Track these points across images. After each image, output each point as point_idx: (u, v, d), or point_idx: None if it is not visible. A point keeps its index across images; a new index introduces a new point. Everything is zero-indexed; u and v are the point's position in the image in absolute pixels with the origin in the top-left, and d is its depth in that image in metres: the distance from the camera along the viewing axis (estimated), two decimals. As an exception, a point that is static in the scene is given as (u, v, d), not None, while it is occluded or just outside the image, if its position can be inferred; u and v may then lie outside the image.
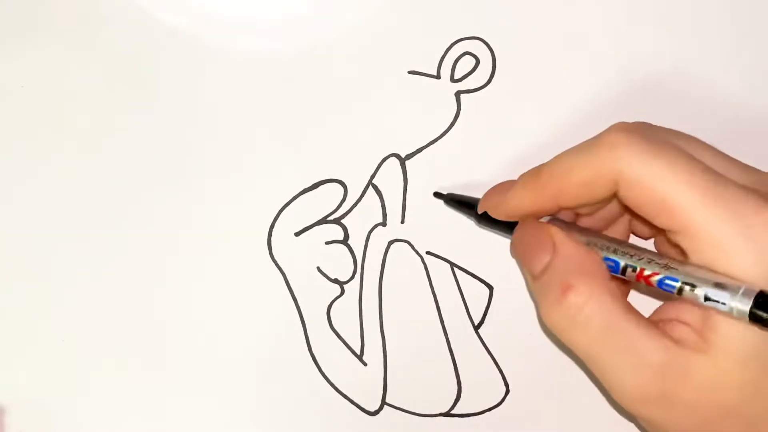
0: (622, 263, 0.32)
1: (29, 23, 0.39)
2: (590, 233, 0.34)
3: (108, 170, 0.39)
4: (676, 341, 0.31)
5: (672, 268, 0.31)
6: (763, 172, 0.34)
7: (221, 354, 0.39)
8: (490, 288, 0.39)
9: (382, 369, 0.39)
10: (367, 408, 0.39)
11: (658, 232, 0.36)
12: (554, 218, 0.35)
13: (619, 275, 0.32)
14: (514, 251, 0.36)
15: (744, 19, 0.40)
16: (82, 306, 0.39)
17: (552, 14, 0.39)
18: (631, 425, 0.39)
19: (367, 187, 0.39)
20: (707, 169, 0.30)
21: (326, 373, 0.39)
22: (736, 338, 0.30)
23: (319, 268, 0.39)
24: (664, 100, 0.39)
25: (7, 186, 0.39)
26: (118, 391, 0.39)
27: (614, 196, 0.32)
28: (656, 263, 0.31)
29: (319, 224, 0.39)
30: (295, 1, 0.40)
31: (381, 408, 0.39)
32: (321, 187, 0.39)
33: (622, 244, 0.33)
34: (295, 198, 0.39)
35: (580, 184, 0.32)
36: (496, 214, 0.36)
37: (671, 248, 0.33)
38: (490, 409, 0.39)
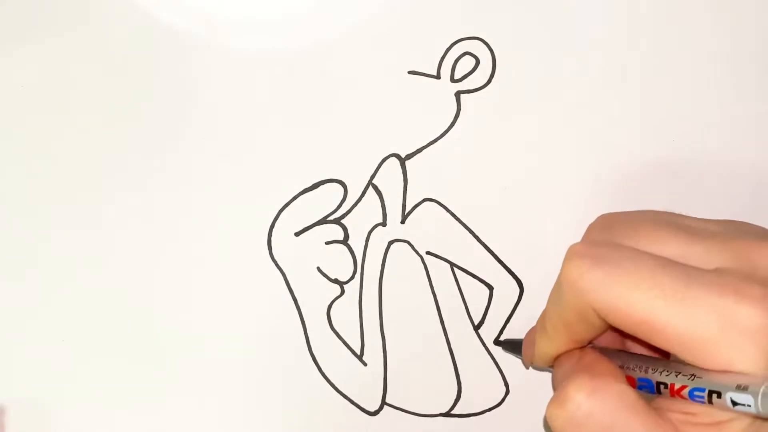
0: (654, 381, 0.31)
1: (29, 23, 0.39)
2: (624, 356, 0.33)
3: (108, 170, 0.39)
4: None
5: (698, 377, 0.29)
6: (730, 222, 0.33)
7: (221, 354, 0.39)
8: (490, 288, 0.39)
9: (382, 369, 0.39)
10: (367, 408, 0.39)
11: None
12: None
13: (655, 393, 0.31)
14: (553, 373, 0.35)
15: (744, 18, 0.40)
16: (81, 306, 0.39)
17: (552, 14, 0.39)
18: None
19: (367, 187, 0.39)
20: (672, 269, 0.29)
21: (326, 373, 0.39)
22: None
23: (319, 268, 0.39)
24: (664, 100, 0.39)
25: (7, 186, 0.39)
26: (118, 390, 0.39)
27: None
28: (683, 375, 0.30)
29: (319, 224, 0.39)
30: (295, 1, 0.39)
31: (381, 408, 0.39)
32: (321, 187, 0.39)
33: (656, 362, 0.32)
34: (295, 198, 0.39)
35: (575, 325, 0.31)
36: (537, 364, 0.36)
37: None
38: (490, 409, 0.39)
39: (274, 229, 0.39)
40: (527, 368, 0.39)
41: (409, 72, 0.39)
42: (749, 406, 0.27)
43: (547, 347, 0.34)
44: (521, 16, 0.39)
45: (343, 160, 0.39)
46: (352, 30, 0.39)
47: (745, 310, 0.28)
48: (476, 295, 0.39)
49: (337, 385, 0.39)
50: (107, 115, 0.39)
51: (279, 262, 0.39)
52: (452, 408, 0.39)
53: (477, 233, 0.39)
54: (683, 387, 0.30)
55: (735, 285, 0.28)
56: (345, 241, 0.39)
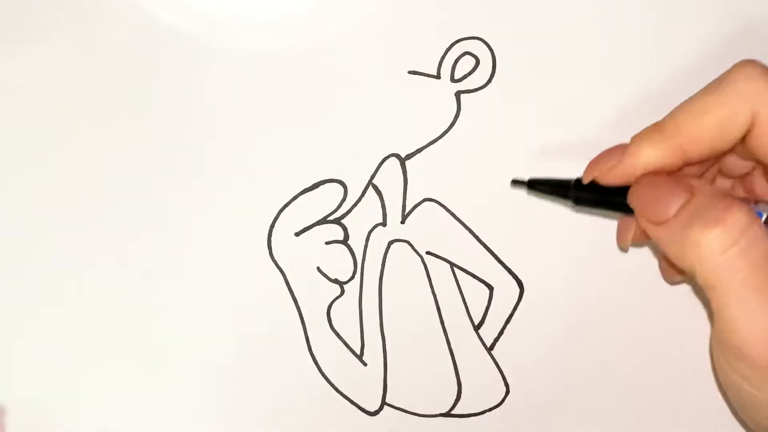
0: (764, 214, 0.30)
1: (29, 23, 0.39)
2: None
3: (108, 170, 0.39)
4: None
5: None
6: None
7: (221, 354, 0.39)
8: (490, 288, 0.39)
9: (382, 369, 0.39)
10: (367, 408, 0.39)
11: (749, 171, 0.34)
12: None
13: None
14: (638, 198, 0.32)
15: (744, 18, 0.40)
16: (82, 306, 0.39)
17: (552, 14, 0.39)
18: (631, 425, 0.39)
19: (367, 187, 0.39)
20: None
21: (326, 373, 0.39)
22: None
23: (319, 268, 0.39)
24: (666, 100, 0.39)
25: (8, 185, 0.39)
26: (118, 390, 0.39)
27: (741, 141, 0.31)
28: None
29: (319, 224, 0.39)
30: (295, 1, 0.40)
31: (381, 408, 0.39)
32: (321, 187, 0.39)
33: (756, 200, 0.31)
34: (295, 198, 0.39)
35: (713, 126, 0.30)
36: (610, 179, 0.33)
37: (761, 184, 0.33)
38: (490, 409, 0.39)
39: (274, 229, 0.39)
40: (575, 204, 0.35)
41: (409, 72, 0.39)
42: None
43: (646, 154, 0.32)
44: (521, 16, 0.39)
45: (343, 160, 0.39)
46: (352, 30, 0.39)
47: None
48: (476, 295, 0.39)
49: (337, 385, 0.39)
50: (107, 115, 0.39)
51: (279, 262, 0.39)
52: (452, 408, 0.39)
53: (477, 233, 0.39)
54: None
55: None
56: (345, 241, 0.39)
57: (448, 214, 0.39)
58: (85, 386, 0.39)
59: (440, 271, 0.39)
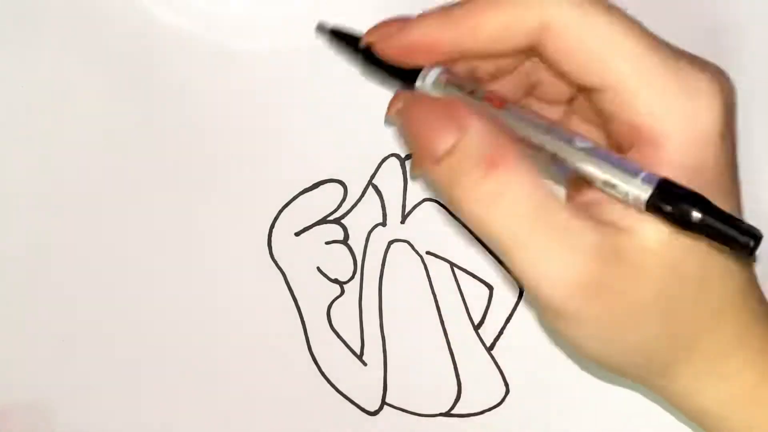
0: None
1: (29, 23, 0.39)
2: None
3: (107, 170, 0.39)
4: (608, 223, 0.28)
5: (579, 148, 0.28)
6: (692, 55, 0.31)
7: (221, 354, 0.39)
8: (490, 288, 0.39)
9: (382, 369, 0.39)
10: (367, 408, 0.39)
11: (570, 97, 0.33)
12: (447, 69, 0.31)
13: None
14: (408, 128, 0.30)
15: (745, 18, 0.40)
16: (82, 306, 0.39)
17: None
18: (632, 425, 0.39)
19: (367, 187, 0.39)
20: (644, 29, 0.28)
21: (326, 373, 0.39)
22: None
23: (319, 268, 0.39)
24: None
25: (7, 185, 0.39)
26: (118, 391, 0.39)
27: (526, 50, 0.29)
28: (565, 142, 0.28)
29: (319, 224, 0.39)
30: (295, 1, 0.39)
31: (381, 408, 0.39)
32: (321, 187, 0.39)
33: (526, 113, 0.30)
34: (295, 198, 0.39)
35: (499, 25, 0.29)
36: (386, 49, 0.31)
37: (584, 117, 0.31)
38: (490, 409, 0.39)
39: (274, 229, 0.39)
40: (363, 67, 0.33)
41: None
42: (617, 187, 0.27)
43: (427, 30, 0.30)
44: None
45: (343, 160, 0.39)
46: (353, 30, 0.39)
47: (703, 89, 0.28)
48: (476, 295, 0.39)
49: (337, 385, 0.39)
50: (107, 116, 0.39)
51: (279, 262, 0.39)
52: (452, 408, 0.39)
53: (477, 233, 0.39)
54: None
55: (701, 67, 0.29)
56: (345, 241, 0.39)
57: (448, 214, 0.39)
58: (85, 386, 0.39)
59: (440, 271, 0.39)
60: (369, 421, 0.39)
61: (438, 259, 0.39)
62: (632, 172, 0.27)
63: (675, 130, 0.28)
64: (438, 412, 0.39)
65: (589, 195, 0.29)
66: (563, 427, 0.39)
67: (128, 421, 0.39)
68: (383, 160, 0.39)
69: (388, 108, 0.33)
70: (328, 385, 0.39)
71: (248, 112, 0.39)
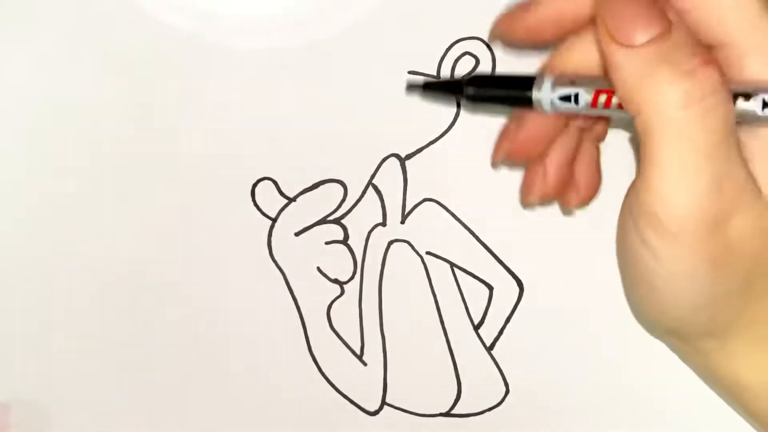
0: None
1: (29, 23, 0.39)
2: None
3: (107, 170, 0.39)
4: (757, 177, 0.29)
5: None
6: None
7: (221, 354, 0.39)
8: (490, 288, 0.39)
9: (382, 369, 0.39)
10: (367, 408, 0.39)
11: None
12: (559, 75, 0.32)
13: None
14: (607, 7, 0.29)
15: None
16: (81, 305, 0.39)
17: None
18: (632, 425, 0.39)
19: (367, 187, 0.39)
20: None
21: (326, 373, 0.39)
22: None
23: (319, 268, 0.39)
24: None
25: (7, 185, 0.39)
26: (118, 390, 0.39)
27: None
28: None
29: (319, 224, 0.39)
30: (295, 1, 0.39)
31: (381, 408, 0.39)
32: (321, 187, 0.39)
33: None
34: (295, 198, 0.39)
35: None
36: (517, 31, 0.32)
37: None
38: (490, 409, 0.39)
39: (274, 229, 0.39)
40: (467, 101, 0.35)
41: (409, 72, 0.39)
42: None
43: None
44: (521, 16, 0.39)
45: (343, 160, 0.39)
46: (352, 30, 0.39)
47: None
48: (476, 295, 0.39)
49: (337, 385, 0.39)
50: (107, 115, 0.39)
51: (279, 262, 0.39)
52: (452, 408, 0.39)
53: (477, 233, 0.39)
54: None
55: None
56: (345, 241, 0.39)
57: (448, 214, 0.39)
58: (86, 386, 0.39)
59: (440, 271, 0.39)
60: (369, 421, 0.39)
61: (438, 259, 0.39)
62: None
63: None
64: (438, 412, 0.39)
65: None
66: (563, 427, 0.39)
67: (128, 421, 0.39)
68: (383, 160, 0.39)
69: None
70: (328, 385, 0.39)
71: (248, 112, 0.39)
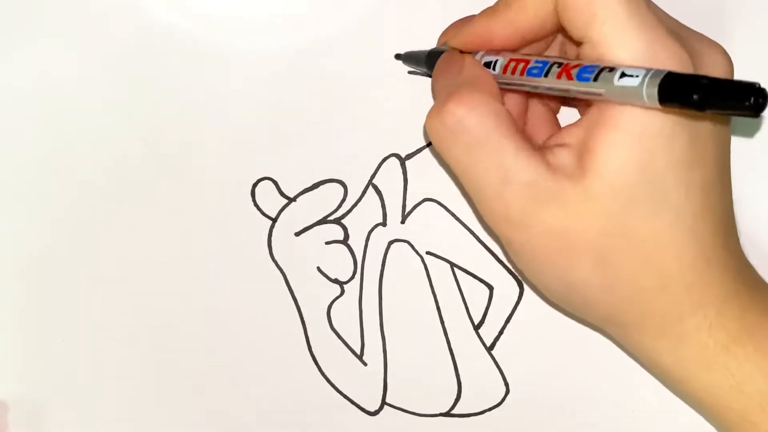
0: (549, 62, 0.32)
1: (29, 23, 0.39)
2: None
3: (107, 170, 0.39)
4: (550, 165, 0.32)
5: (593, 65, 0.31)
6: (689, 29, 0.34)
7: (221, 354, 0.39)
8: (490, 288, 0.39)
9: (382, 369, 0.39)
10: (367, 408, 0.39)
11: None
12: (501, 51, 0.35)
13: (543, 76, 0.32)
14: (432, 78, 0.36)
15: (745, 17, 0.40)
16: (81, 305, 0.39)
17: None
18: (632, 425, 0.39)
19: (367, 187, 0.39)
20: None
21: (326, 373, 0.39)
22: (613, 165, 0.30)
23: (319, 268, 0.39)
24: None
25: (7, 185, 0.39)
26: (119, 390, 0.39)
27: (557, 27, 0.33)
28: (578, 61, 0.31)
29: (319, 224, 0.39)
30: (295, 1, 0.39)
31: (381, 408, 0.39)
32: (321, 187, 0.39)
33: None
34: (295, 198, 0.39)
35: (531, 6, 0.33)
36: (455, 43, 0.36)
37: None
38: (490, 409, 0.39)
39: (274, 229, 0.39)
40: (429, 70, 0.37)
41: (409, 72, 0.39)
42: (637, 76, 0.29)
43: (481, 24, 0.34)
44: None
45: (343, 160, 0.39)
46: (352, 30, 0.39)
47: (660, 42, 0.31)
48: (476, 295, 0.39)
49: (337, 385, 0.39)
50: (107, 115, 0.39)
51: (279, 262, 0.39)
52: (452, 408, 0.39)
53: (477, 233, 0.39)
54: (577, 66, 0.31)
55: (671, 32, 0.31)
56: (345, 241, 0.39)
57: (448, 214, 0.39)
58: (86, 386, 0.39)
59: (440, 271, 0.39)
60: (369, 421, 0.39)
61: (438, 259, 0.39)
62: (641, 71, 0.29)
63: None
64: (438, 412, 0.39)
65: (552, 141, 0.33)
66: (563, 427, 0.39)
67: (128, 420, 0.39)
68: (383, 160, 0.39)
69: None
70: (328, 385, 0.39)
71: (248, 112, 0.39)
